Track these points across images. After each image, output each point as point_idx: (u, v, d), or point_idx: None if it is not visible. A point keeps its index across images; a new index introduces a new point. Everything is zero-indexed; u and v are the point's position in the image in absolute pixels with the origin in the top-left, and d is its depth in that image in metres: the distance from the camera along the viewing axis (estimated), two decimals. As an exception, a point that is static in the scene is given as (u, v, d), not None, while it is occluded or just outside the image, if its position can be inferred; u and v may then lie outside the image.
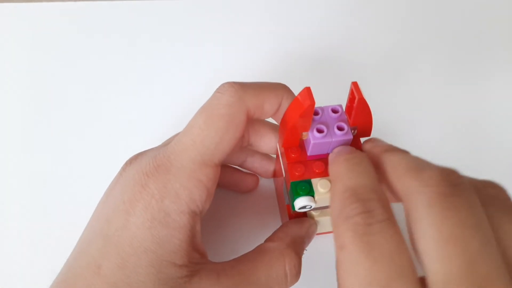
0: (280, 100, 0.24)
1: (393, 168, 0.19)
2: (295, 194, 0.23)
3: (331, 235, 0.29)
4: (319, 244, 0.29)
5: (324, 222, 0.27)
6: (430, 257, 0.15)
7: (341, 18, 0.43)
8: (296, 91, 0.22)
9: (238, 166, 0.30)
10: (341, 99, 0.24)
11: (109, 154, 0.34)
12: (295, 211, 0.23)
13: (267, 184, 0.32)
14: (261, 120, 0.27)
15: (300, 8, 0.43)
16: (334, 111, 0.23)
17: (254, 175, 0.31)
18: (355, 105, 0.21)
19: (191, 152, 0.21)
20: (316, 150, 0.23)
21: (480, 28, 0.42)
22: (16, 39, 0.41)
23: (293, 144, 0.24)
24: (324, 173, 0.23)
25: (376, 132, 0.24)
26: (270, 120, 0.27)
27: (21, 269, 0.29)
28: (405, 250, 0.16)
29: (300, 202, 0.22)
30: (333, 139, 0.22)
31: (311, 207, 0.23)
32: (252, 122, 0.26)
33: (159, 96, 0.37)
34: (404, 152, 0.20)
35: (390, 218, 0.16)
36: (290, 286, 0.24)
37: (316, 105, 0.21)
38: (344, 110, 0.23)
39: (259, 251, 0.24)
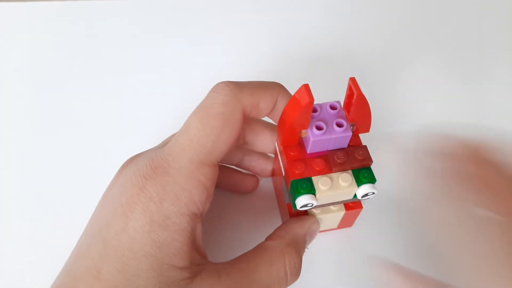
0: (275, 98, 0.24)
1: None
2: (296, 193, 0.22)
3: (332, 232, 0.29)
4: (320, 242, 0.28)
5: (325, 219, 0.27)
6: None
7: (339, 15, 0.43)
8: (294, 88, 0.21)
9: (235, 165, 0.30)
10: (338, 96, 0.24)
11: (106, 155, 0.33)
12: (296, 209, 0.23)
13: (266, 184, 0.32)
14: (257, 119, 0.27)
15: (297, 6, 0.43)
16: (333, 107, 0.23)
17: (254, 175, 0.31)
18: (353, 101, 0.21)
19: (188, 152, 0.21)
20: (315, 148, 0.23)
21: (480, 27, 0.42)
22: (16, 39, 0.41)
23: (292, 142, 0.23)
24: (325, 171, 0.23)
25: (374, 128, 0.24)
26: (266, 119, 0.27)
27: (18, 272, 0.28)
28: None
29: (302, 201, 0.22)
30: (333, 136, 0.22)
31: (312, 205, 0.23)
32: (248, 121, 0.26)
33: (157, 96, 0.37)
34: None
35: None
36: (290, 284, 0.24)
37: (314, 102, 0.21)
38: (342, 106, 0.23)
39: (259, 249, 0.23)
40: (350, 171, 0.23)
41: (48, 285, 0.21)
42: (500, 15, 0.43)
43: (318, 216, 0.26)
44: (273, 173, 0.30)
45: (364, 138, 0.24)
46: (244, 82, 0.23)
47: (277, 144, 0.26)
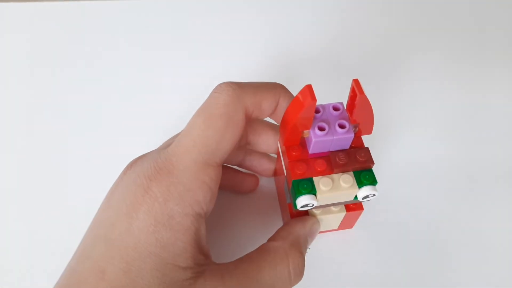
0: (277, 99, 0.24)
1: None
2: (297, 193, 0.22)
3: (333, 233, 0.29)
4: (322, 242, 0.29)
5: (326, 220, 0.27)
6: None
7: (341, 15, 0.43)
8: (297, 89, 0.21)
9: (237, 165, 0.30)
10: (342, 97, 0.24)
11: (110, 156, 0.33)
12: (297, 209, 0.23)
13: (267, 183, 0.32)
14: (259, 119, 0.27)
15: (300, 7, 0.44)
16: (335, 108, 0.23)
17: (254, 175, 0.31)
18: (356, 102, 0.21)
19: (192, 153, 0.21)
20: (317, 148, 0.23)
21: (481, 27, 0.42)
22: (16, 39, 0.41)
23: (294, 143, 0.23)
24: (326, 171, 0.23)
25: (376, 130, 0.24)
26: (268, 119, 0.27)
27: (20, 272, 0.28)
28: None
29: (302, 201, 0.22)
30: (335, 137, 0.22)
31: (313, 205, 0.23)
32: (250, 121, 0.26)
33: (159, 97, 0.37)
34: None
35: None
36: (294, 285, 0.24)
37: (317, 103, 0.21)
38: (345, 107, 0.23)
39: (262, 250, 0.23)
40: (352, 173, 0.23)
41: (49, 285, 0.21)
42: (500, 15, 0.43)
43: (319, 217, 0.26)
44: (275, 173, 0.30)
45: (366, 140, 0.24)
46: (246, 82, 0.23)
47: (279, 144, 0.26)
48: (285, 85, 0.25)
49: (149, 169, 0.21)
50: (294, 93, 0.23)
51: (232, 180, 0.30)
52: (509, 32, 0.42)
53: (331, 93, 0.26)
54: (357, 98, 0.20)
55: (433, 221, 0.30)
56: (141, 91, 0.37)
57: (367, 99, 0.21)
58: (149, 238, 0.20)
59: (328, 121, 0.22)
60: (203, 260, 0.21)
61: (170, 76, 0.38)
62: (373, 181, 0.23)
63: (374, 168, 0.23)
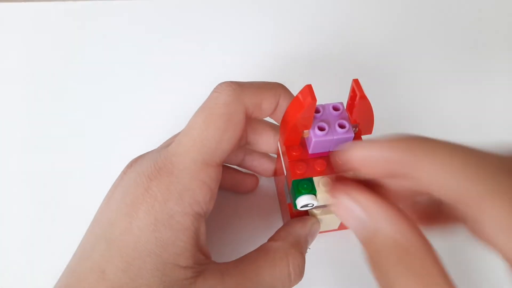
0: (277, 99, 0.24)
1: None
2: (297, 193, 0.22)
3: (333, 233, 0.29)
4: (322, 242, 0.29)
5: (326, 220, 0.27)
6: None
7: (341, 15, 0.43)
8: (297, 89, 0.21)
9: (237, 165, 0.30)
10: (342, 97, 0.24)
11: (110, 155, 0.33)
12: (297, 209, 0.23)
13: (267, 183, 0.32)
14: (259, 119, 0.27)
15: (300, 6, 0.43)
16: (335, 108, 0.23)
17: (254, 175, 0.31)
18: (356, 102, 0.21)
19: (192, 153, 0.21)
20: (317, 148, 0.23)
21: (481, 27, 0.42)
22: (16, 39, 0.41)
23: (294, 142, 0.24)
24: (326, 171, 0.23)
25: (377, 129, 0.24)
26: (268, 119, 0.27)
27: (20, 272, 0.28)
28: None
29: (302, 201, 0.22)
30: (335, 137, 0.22)
31: (313, 205, 0.23)
32: (250, 121, 0.26)
33: (159, 97, 0.37)
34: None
35: None
36: (294, 285, 0.24)
37: (317, 103, 0.21)
38: (345, 107, 0.23)
39: (262, 250, 0.23)
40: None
41: (49, 285, 0.21)
42: (501, 14, 0.43)
43: (319, 217, 0.26)
44: (275, 173, 0.30)
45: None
46: (246, 82, 0.23)
47: (279, 144, 0.26)
48: (285, 85, 0.25)
49: (149, 168, 0.21)
50: (294, 93, 0.23)
51: (232, 180, 0.30)
52: (509, 32, 0.42)
53: (331, 93, 0.26)
54: (357, 98, 0.21)
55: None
56: (141, 91, 0.37)
57: (367, 99, 0.21)
58: (149, 238, 0.20)
59: (328, 121, 0.22)
60: (203, 260, 0.21)
61: (170, 76, 0.38)
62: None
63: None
